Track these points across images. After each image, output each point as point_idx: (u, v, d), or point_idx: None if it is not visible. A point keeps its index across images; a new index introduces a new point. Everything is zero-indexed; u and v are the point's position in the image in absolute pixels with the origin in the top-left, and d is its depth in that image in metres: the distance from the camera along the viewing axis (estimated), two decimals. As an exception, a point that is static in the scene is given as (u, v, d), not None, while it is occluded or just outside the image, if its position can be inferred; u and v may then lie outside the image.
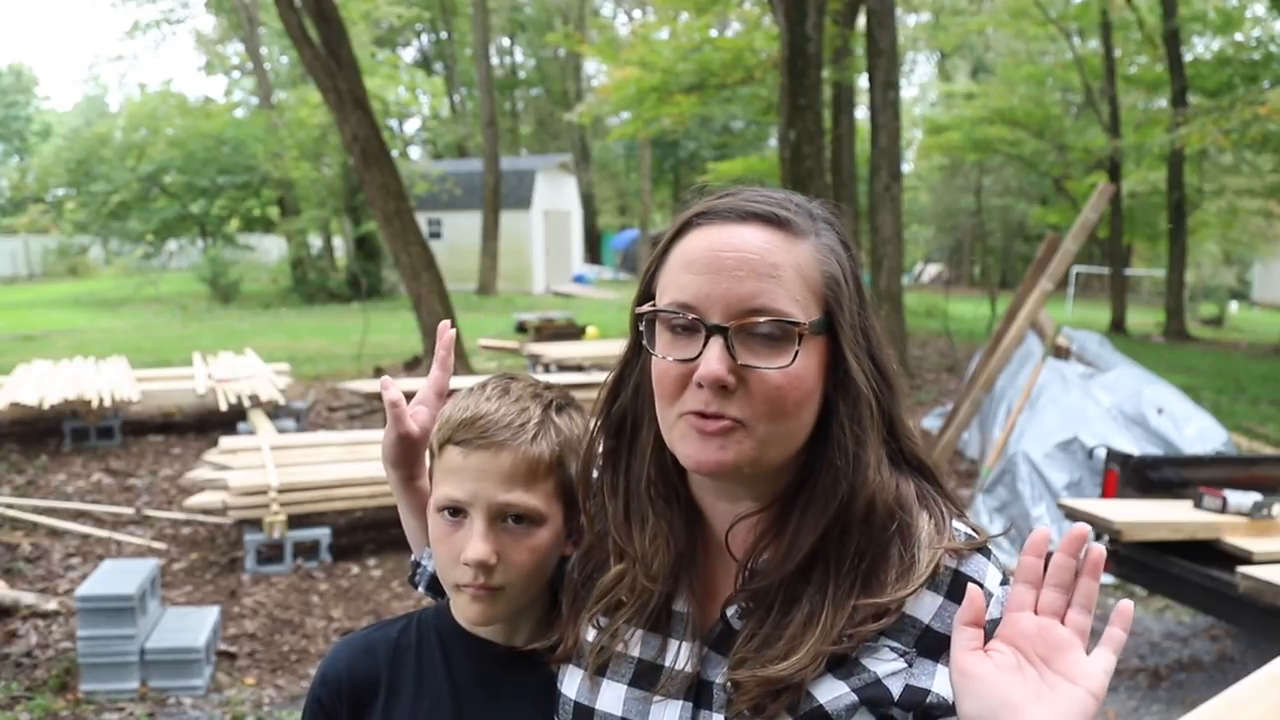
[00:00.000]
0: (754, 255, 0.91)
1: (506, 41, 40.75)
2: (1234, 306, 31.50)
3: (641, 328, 0.98)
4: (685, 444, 0.94)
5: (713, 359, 0.89)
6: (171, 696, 4.07)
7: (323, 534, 5.73)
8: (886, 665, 0.92)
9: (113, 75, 72.58)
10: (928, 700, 0.92)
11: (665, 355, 0.94)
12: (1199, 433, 6.74)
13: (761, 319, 0.90)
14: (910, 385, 11.37)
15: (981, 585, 0.95)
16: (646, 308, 0.97)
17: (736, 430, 0.91)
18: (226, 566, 5.61)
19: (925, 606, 0.94)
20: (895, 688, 0.92)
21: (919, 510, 0.97)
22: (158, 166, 23.98)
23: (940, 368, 13.15)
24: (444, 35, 37.51)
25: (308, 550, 5.75)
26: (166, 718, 3.94)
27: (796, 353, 0.90)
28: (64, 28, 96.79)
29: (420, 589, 1.24)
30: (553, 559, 1.10)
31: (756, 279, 0.90)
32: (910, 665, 0.93)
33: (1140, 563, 4.43)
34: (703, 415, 0.91)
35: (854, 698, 0.91)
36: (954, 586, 0.94)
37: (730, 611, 0.98)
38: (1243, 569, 3.78)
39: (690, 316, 0.92)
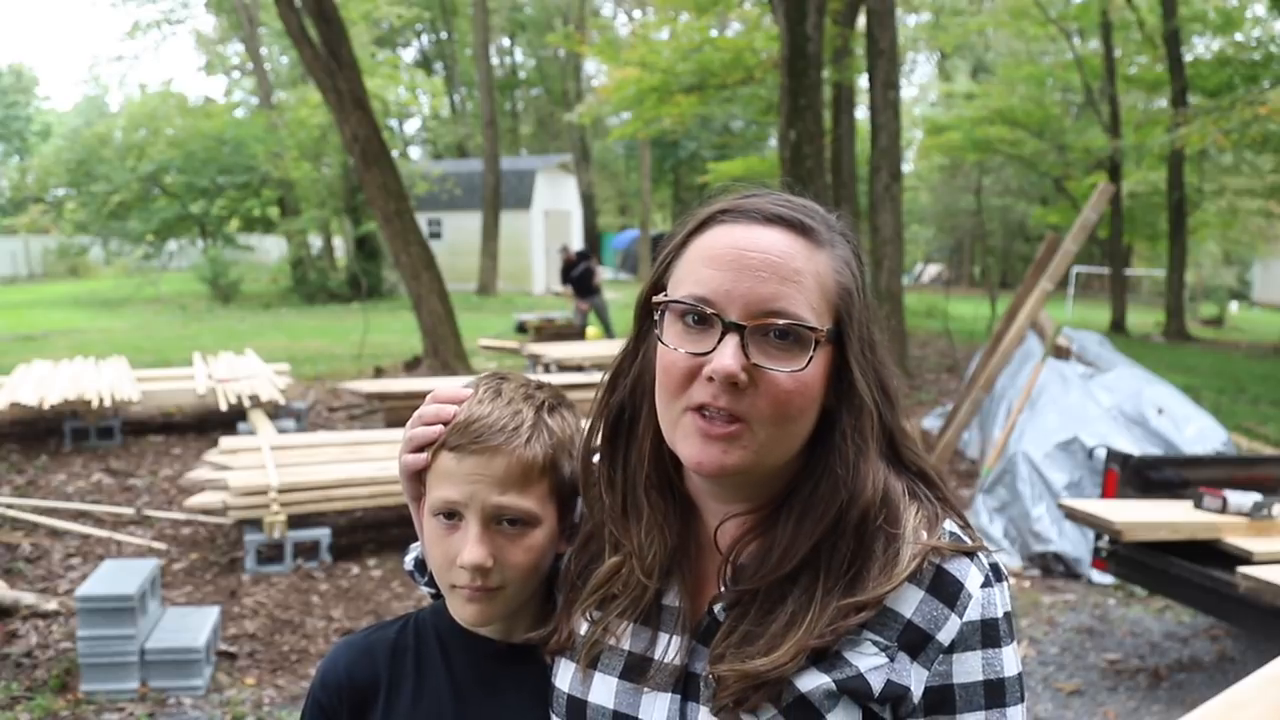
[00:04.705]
0: (778, 258, 0.92)
1: (506, 41, 40.74)
2: (1234, 306, 31.52)
3: (656, 316, 0.98)
4: (688, 443, 0.94)
5: (728, 354, 0.90)
6: (171, 697, 4.07)
7: (323, 534, 5.73)
8: (868, 660, 0.93)
9: (113, 75, 72.37)
10: (905, 698, 0.93)
11: (676, 347, 0.94)
12: (1199, 433, 6.73)
13: (780, 321, 0.91)
14: (910, 385, 11.37)
15: (962, 585, 0.95)
16: (661, 297, 0.97)
17: (743, 435, 0.92)
18: (226, 566, 5.61)
19: (908, 601, 0.94)
20: (876, 682, 0.92)
21: (907, 504, 0.98)
22: (158, 166, 23.99)
23: (940, 368, 13.15)
24: (444, 35, 37.55)
25: (308, 550, 5.75)
26: (166, 718, 3.93)
27: (811, 358, 0.91)
28: (64, 28, 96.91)
29: (422, 588, 1.25)
30: (548, 558, 1.11)
31: (779, 282, 0.91)
32: (892, 660, 0.93)
33: (1140, 563, 4.43)
34: (707, 411, 0.92)
35: (835, 687, 0.92)
36: (936, 582, 0.95)
37: (716, 607, 0.99)
38: (1243, 569, 3.78)
39: (708, 311, 0.92)
